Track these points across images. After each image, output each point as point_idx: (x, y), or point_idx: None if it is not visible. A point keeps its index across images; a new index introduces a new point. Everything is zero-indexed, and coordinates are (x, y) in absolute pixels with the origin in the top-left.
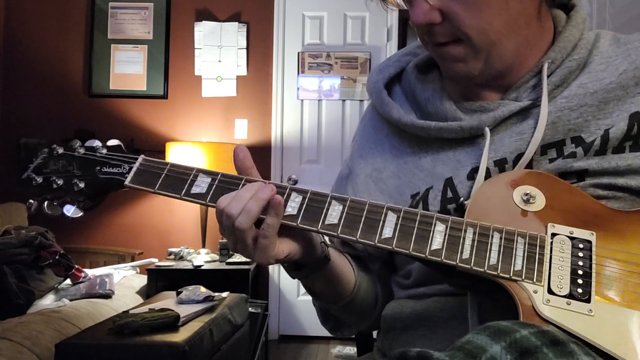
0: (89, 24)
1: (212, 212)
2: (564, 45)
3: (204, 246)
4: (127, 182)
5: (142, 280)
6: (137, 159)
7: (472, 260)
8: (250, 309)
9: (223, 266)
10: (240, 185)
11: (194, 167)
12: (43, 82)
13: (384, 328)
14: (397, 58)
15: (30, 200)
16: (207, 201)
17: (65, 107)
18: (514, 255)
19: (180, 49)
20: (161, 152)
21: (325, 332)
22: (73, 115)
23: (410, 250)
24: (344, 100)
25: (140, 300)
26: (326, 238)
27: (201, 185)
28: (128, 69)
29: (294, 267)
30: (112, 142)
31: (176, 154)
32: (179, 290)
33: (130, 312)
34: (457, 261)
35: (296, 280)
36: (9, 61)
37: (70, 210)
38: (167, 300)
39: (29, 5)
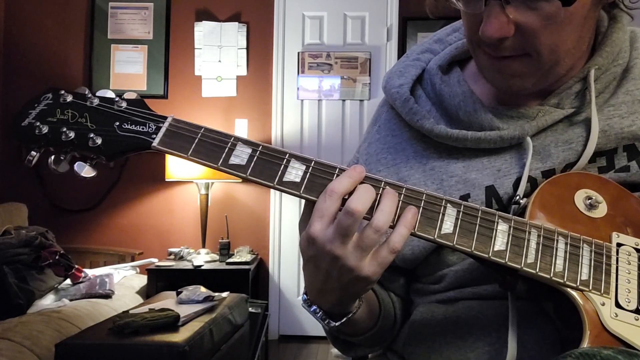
0: (89, 24)
1: (212, 212)
2: (611, 50)
3: (204, 246)
4: (154, 143)
5: (142, 280)
6: (165, 118)
7: (538, 265)
8: (250, 309)
9: (223, 266)
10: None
11: (231, 135)
12: (43, 82)
13: (409, 333)
14: (416, 56)
15: (32, 152)
16: (248, 174)
17: None
18: (580, 264)
19: (180, 49)
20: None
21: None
22: None
23: (473, 248)
24: (344, 100)
25: (140, 300)
26: None
27: (241, 155)
28: (128, 69)
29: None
30: (131, 95)
31: None
32: (179, 290)
33: (130, 312)
34: (522, 265)
35: (296, 280)
36: (9, 61)
37: (82, 169)
38: (167, 300)
39: (29, 5)
